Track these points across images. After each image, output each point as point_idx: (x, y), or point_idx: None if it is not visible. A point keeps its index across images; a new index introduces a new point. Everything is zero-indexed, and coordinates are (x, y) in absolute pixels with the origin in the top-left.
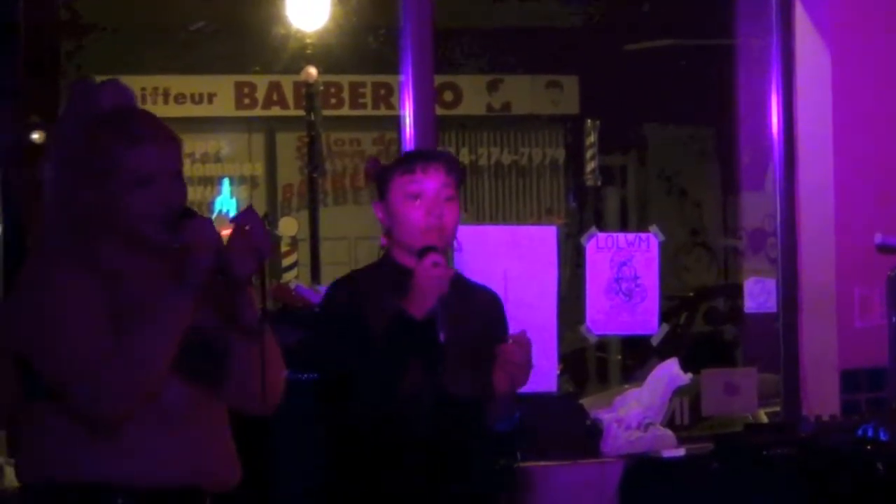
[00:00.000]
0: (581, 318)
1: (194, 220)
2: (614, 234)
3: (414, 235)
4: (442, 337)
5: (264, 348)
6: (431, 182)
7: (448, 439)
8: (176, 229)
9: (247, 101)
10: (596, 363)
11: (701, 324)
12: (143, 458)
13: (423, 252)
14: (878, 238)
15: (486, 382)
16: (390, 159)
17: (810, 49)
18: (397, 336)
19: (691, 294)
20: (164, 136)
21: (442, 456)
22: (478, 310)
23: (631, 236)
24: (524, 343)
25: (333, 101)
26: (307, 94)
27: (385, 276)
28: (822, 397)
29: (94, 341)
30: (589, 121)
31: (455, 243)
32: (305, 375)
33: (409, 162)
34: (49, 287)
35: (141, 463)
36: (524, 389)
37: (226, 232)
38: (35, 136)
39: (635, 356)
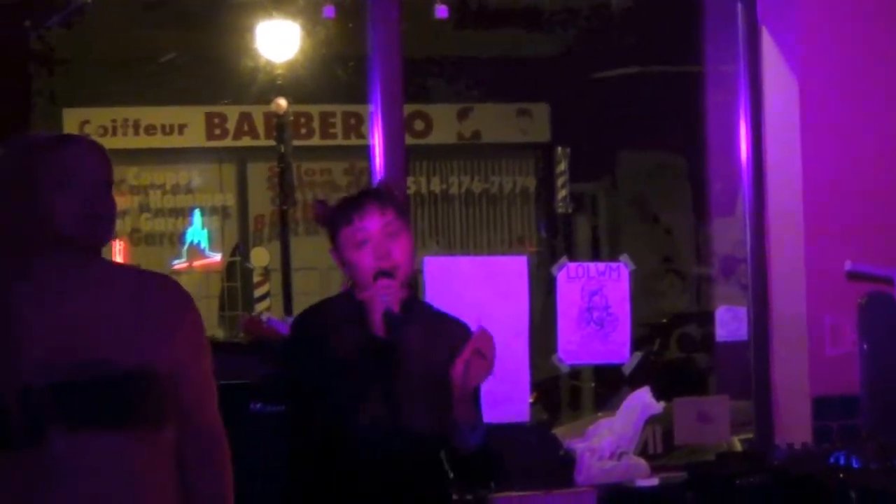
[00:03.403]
0: (553, 347)
1: None
2: (585, 264)
3: (368, 280)
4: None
5: None
6: (371, 225)
7: (404, 471)
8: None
9: (217, 131)
10: (569, 392)
11: (674, 350)
12: None
13: (376, 276)
14: (847, 265)
15: (449, 413)
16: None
17: (778, 76)
18: (355, 356)
19: (664, 321)
20: (92, 146)
21: (397, 487)
22: (445, 341)
23: (602, 266)
24: (488, 335)
25: (304, 131)
26: (277, 124)
27: (348, 309)
28: (795, 425)
29: None
30: (559, 148)
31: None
32: (274, 408)
33: (346, 212)
34: None
35: None
36: (497, 419)
37: None
38: None
39: (608, 385)
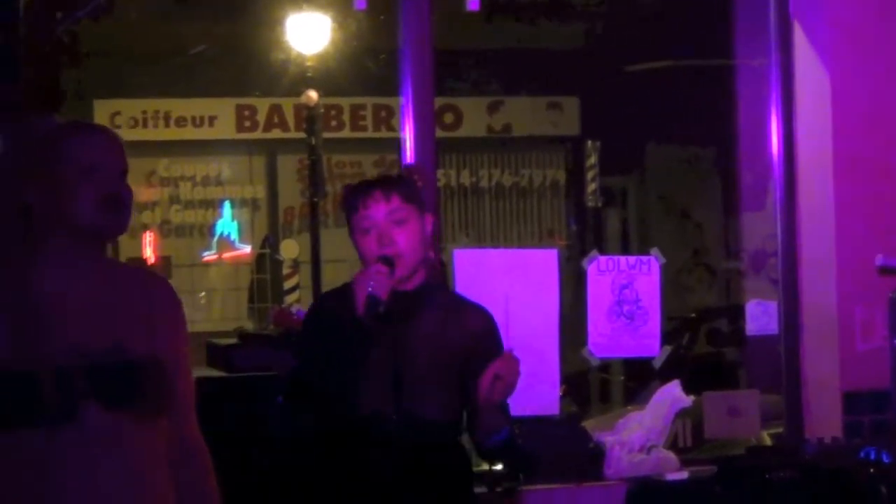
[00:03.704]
0: (583, 340)
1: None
2: (615, 257)
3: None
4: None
5: None
6: (376, 213)
7: (409, 456)
8: (118, 212)
9: (247, 123)
10: (599, 385)
11: (703, 345)
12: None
13: (377, 262)
14: (878, 259)
15: (470, 397)
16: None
17: (810, 70)
18: (348, 336)
19: (693, 315)
20: (111, 135)
21: (402, 471)
22: (461, 327)
23: (632, 259)
24: (513, 360)
25: (334, 123)
26: (308, 116)
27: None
28: (825, 419)
29: None
30: (589, 142)
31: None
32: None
33: (353, 200)
34: None
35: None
36: (527, 412)
37: None
38: None
39: (637, 378)
